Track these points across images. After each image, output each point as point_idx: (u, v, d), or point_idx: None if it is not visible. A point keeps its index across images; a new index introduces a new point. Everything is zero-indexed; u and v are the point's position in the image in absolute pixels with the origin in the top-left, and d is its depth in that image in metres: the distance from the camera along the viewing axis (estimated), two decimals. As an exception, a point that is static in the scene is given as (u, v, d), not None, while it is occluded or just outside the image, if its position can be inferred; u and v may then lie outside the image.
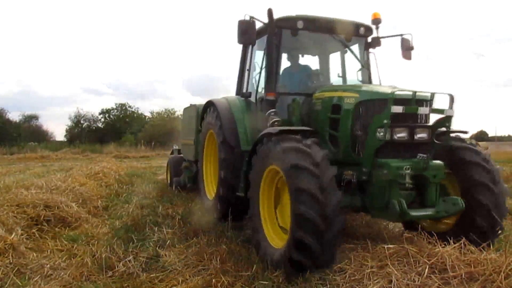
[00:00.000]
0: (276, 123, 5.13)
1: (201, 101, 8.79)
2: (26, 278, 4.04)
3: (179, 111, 40.79)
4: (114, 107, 45.22)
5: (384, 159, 4.29)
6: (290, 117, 5.60)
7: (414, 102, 4.25)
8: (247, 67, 6.50)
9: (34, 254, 4.61)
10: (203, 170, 7.15)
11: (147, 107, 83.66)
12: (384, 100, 4.32)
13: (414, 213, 4.18)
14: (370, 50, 6.20)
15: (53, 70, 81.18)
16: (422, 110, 4.30)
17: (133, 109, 45.73)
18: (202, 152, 7.11)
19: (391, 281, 3.41)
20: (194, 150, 8.17)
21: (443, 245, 3.91)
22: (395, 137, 4.27)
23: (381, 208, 4.29)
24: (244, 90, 6.50)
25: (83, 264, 4.40)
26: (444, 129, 4.47)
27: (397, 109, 4.13)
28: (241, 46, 6.53)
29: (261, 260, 4.24)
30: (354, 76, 6.17)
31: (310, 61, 6.76)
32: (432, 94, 4.32)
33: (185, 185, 9.15)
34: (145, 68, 77.66)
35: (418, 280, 3.40)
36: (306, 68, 6.54)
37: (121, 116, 44.74)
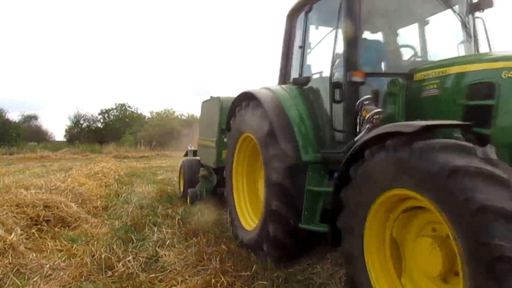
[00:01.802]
0: (376, 116, 3.47)
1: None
2: (26, 278, 4.04)
3: (178, 111, 40.95)
4: (114, 107, 45.26)
5: None
6: (384, 107, 3.71)
7: None
8: (300, 43, 4.72)
9: (34, 254, 4.61)
10: (233, 188, 5.30)
11: (146, 107, 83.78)
12: None
13: None
14: (477, 14, 4.25)
15: (53, 70, 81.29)
16: None
17: (132, 109, 45.77)
18: (231, 164, 5.30)
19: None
20: (216, 155, 6.61)
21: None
22: None
23: None
24: (296, 75, 4.71)
25: (82, 264, 4.41)
26: None
27: None
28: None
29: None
30: (446, 52, 4.23)
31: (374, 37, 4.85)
32: None
33: (202, 198, 7.48)
34: (144, 68, 77.74)
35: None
36: (377, 43, 4.71)
37: (120, 116, 44.77)
